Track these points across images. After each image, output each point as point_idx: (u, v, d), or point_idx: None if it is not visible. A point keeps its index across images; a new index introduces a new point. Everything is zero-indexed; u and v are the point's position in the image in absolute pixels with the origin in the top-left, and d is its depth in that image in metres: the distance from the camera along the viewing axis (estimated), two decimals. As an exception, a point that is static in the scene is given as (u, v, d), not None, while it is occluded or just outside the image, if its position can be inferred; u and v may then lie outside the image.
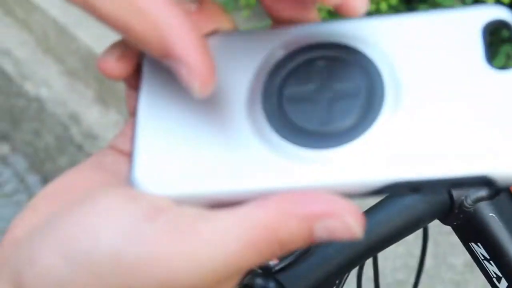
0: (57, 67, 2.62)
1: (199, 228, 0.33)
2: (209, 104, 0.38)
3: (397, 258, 1.62)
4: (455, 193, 0.58)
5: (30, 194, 2.76)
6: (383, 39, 0.37)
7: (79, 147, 2.44)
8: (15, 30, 2.83)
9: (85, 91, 2.51)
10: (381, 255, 1.52)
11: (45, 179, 2.78)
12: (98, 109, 2.42)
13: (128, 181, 0.37)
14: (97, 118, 2.36)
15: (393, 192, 0.34)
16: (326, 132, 0.35)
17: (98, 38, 2.36)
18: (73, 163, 2.46)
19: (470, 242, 0.61)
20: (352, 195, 0.34)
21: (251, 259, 0.33)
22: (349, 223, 0.33)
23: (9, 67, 2.75)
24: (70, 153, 2.51)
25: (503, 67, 0.33)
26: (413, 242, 1.57)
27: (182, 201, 0.35)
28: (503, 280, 0.61)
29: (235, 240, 0.33)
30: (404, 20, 0.38)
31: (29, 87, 2.64)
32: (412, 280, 1.53)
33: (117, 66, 0.40)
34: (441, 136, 0.33)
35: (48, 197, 0.39)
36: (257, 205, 0.34)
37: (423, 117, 0.34)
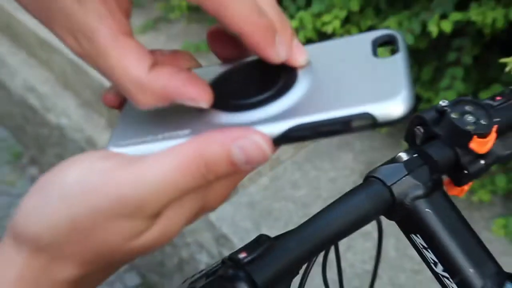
0: (74, 99, 2.63)
1: (143, 159, 0.37)
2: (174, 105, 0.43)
3: (365, 252, 1.62)
4: (396, 193, 0.58)
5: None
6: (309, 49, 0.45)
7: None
8: (38, 70, 2.84)
9: (98, 119, 2.50)
10: (351, 250, 1.53)
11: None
12: (107, 135, 2.44)
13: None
14: (107, 140, 2.37)
15: (297, 138, 0.39)
16: (251, 101, 0.42)
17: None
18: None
19: (411, 234, 0.61)
20: (274, 139, 0.39)
21: (185, 179, 0.36)
22: (258, 142, 0.37)
23: (34, 101, 2.76)
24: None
25: (384, 57, 0.42)
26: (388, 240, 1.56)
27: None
28: (439, 264, 0.61)
29: (171, 162, 0.36)
30: (325, 42, 0.47)
31: (51, 118, 2.65)
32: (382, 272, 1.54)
33: (114, 99, 0.47)
34: (337, 95, 0.40)
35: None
36: (189, 140, 0.38)
37: (319, 88, 0.42)
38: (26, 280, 0.38)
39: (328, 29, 1.66)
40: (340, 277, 0.74)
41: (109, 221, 0.36)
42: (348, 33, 1.71)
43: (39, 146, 2.92)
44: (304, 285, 0.67)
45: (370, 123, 0.38)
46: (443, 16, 1.52)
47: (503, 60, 1.00)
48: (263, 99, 0.41)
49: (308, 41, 1.82)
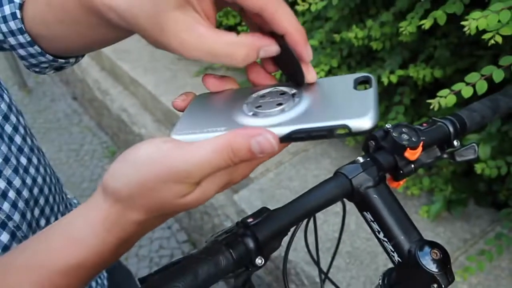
0: (150, 117, 2.63)
1: (192, 144, 0.38)
2: (220, 109, 0.46)
3: (335, 225, 1.60)
4: (354, 183, 0.58)
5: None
6: (305, 85, 0.47)
7: (161, 162, 2.46)
8: (129, 98, 2.86)
9: (165, 131, 2.51)
10: (326, 223, 1.50)
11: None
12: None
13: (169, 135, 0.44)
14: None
15: (297, 138, 0.40)
16: (269, 111, 0.44)
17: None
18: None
19: (363, 211, 0.60)
20: (280, 137, 0.40)
21: (218, 160, 0.37)
22: (269, 139, 0.38)
23: (125, 118, 2.78)
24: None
25: (360, 90, 0.44)
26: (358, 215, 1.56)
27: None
28: (381, 232, 0.60)
29: (209, 147, 0.37)
30: (319, 79, 0.48)
31: (135, 129, 2.66)
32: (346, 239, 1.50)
33: (182, 104, 0.48)
34: (326, 111, 0.42)
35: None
36: (223, 134, 0.39)
37: (314, 105, 0.43)
38: (109, 220, 0.39)
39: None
40: (316, 241, 0.73)
41: (165, 184, 0.37)
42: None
43: (127, 147, 2.92)
44: (291, 243, 0.67)
45: (347, 132, 0.39)
46: (392, 72, 1.51)
47: (429, 101, 0.98)
48: (276, 111, 0.43)
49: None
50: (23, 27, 0.59)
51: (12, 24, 0.59)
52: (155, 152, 0.38)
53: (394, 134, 0.61)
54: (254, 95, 0.47)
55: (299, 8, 1.49)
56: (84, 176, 2.91)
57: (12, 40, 0.60)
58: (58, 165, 3.01)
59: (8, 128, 0.61)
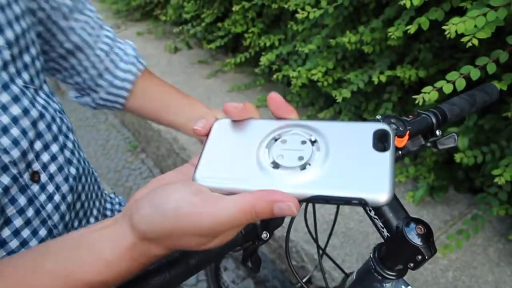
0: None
1: (219, 201, 0.36)
2: (240, 149, 0.42)
3: (331, 208, 1.60)
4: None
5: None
6: (325, 130, 0.40)
7: (177, 154, 2.43)
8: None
9: (180, 127, 2.51)
10: (322, 207, 1.50)
11: (162, 171, 2.77)
12: (187, 136, 2.43)
13: (191, 177, 0.40)
14: (186, 139, 2.35)
15: (315, 201, 0.36)
16: (290, 166, 0.38)
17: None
18: (175, 163, 2.45)
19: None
20: (300, 199, 0.36)
21: (241, 219, 0.36)
22: (291, 206, 0.35)
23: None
24: (173, 158, 2.51)
25: (380, 151, 0.37)
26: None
27: (214, 190, 0.38)
28: (372, 211, 0.60)
29: (235, 207, 0.35)
30: (338, 122, 0.41)
31: (154, 125, 2.66)
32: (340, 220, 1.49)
33: (202, 131, 0.43)
34: (342, 178, 0.36)
35: (153, 182, 0.41)
36: (248, 193, 0.36)
37: (334, 167, 0.37)
38: (136, 251, 0.38)
39: (314, 77, 1.65)
40: (314, 220, 0.73)
41: (188, 237, 0.37)
42: (327, 80, 1.69)
43: (147, 141, 2.92)
44: (292, 223, 0.67)
45: (363, 204, 0.35)
46: (381, 72, 1.50)
47: (415, 96, 0.98)
48: (294, 167, 0.38)
49: (302, 86, 1.81)
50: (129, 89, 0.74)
51: (121, 83, 0.74)
52: (183, 204, 0.36)
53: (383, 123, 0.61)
54: (274, 137, 0.41)
55: (299, 16, 1.48)
56: (110, 167, 2.92)
57: (107, 88, 0.74)
58: (87, 159, 3.02)
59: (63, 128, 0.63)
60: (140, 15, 3.55)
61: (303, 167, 0.38)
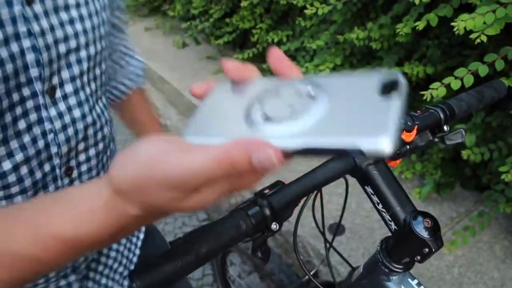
0: (175, 110, 2.64)
1: (193, 149, 0.33)
2: (234, 107, 0.38)
3: (338, 204, 1.61)
4: (357, 161, 0.59)
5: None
6: (326, 83, 0.36)
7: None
8: (156, 94, 2.86)
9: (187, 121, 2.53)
10: (330, 203, 1.50)
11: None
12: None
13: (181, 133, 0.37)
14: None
15: (303, 153, 0.32)
16: (280, 116, 0.34)
17: (195, 97, 2.39)
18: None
19: (365, 185, 0.61)
20: (286, 152, 0.32)
21: (215, 169, 0.32)
22: (271, 155, 0.31)
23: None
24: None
25: (387, 97, 0.31)
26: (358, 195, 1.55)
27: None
28: (380, 204, 0.61)
29: (209, 156, 0.32)
30: (343, 76, 0.36)
31: (161, 120, 2.67)
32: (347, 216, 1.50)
33: (199, 92, 0.41)
34: (335, 127, 0.31)
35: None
36: (225, 143, 0.33)
37: (329, 117, 0.32)
38: (108, 207, 0.36)
39: (322, 73, 1.66)
40: (322, 213, 0.74)
41: (160, 189, 0.34)
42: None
43: (154, 136, 2.95)
44: (301, 212, 0.67)
45: (360, 154, 0.30)
46: (389, 69, 1.51)
47: (423, 92, 0.99)
48: (285, 118, 0.34)
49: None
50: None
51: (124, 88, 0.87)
52: (155, 153, 0.34)
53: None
54: (270, 92, 0.38)
55: (308, 12, 1.49)
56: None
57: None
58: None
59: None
60: (148, 10, 3.56)
61: (294, 118, 0.34)
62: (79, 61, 0.57)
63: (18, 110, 0.50)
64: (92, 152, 0.64)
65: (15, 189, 0.53)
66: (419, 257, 0.59)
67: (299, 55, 1.96)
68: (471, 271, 1.32)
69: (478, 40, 0.92)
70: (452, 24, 0.94)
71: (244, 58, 2.25)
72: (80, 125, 0.59)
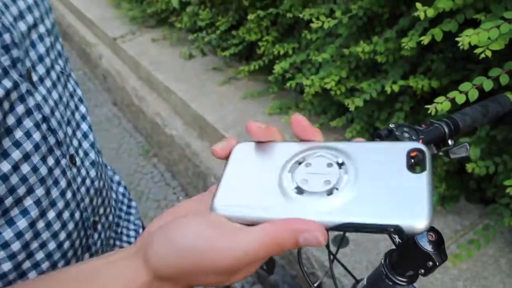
0: (181, 121, 2.65)
1: (238, 234, 0.33)
2: (262, 174, 0.38)
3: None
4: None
5: (166, 182, 2.77)
6: (353, 152, 0.37)
7: (189, 159, 2.45)
8: (162, 103, 2.88)
9: (193, 132, 2.52)
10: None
11: (173, 176, 2.79)
12: (200, 141, 2.44)
13: (210, 207, 0.37)
14: (198, 145, 2.37)
15: (345, 229, 0.32)
16: (316, 191, 0.35)
17: (201, 108, 2.38)
18: (186, 168, 2.47)
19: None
20: (327, 228, 0.33)
21: (263, 253, 0.32)
22: (317, 237, 0.32)
23: (158, 120, 2.80)
24: (185, 163, 2.53)
25: (416, 172, 0.33)
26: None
27: (233, 220, 0.35)
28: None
29: (255, 241, 0.32)
30: (367, 143, 0.38)
31: (167, 130, 2.68)
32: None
33: (221, 153, 0.41)
34: (374, 203, 0.32)
35: (169, 212, 0.39)
36: (270, 224, 0.33)
37: (364, 191, 0.33)
38: None
39: (327, 86, 1.66)
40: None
41: (208, 274, 0.34)
42: (340, 89, 1.71)
43: (159, 146, 2.94)
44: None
45: (399, 233, 0.31)
46: (394, 82, 1.51)
47: (427, 106, 0.99)
48: (321, 192, 0.34)
49: (315, 94, 1.82)
50: None
51: None
52: (199, 240, 0.33)
53: (397, 132, 0.62)
54: (298, 161, 0.38)
55: (314, 25, 1.50)
56: (122, 171, 2.94)
57: None
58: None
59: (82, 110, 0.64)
60: (155, 22, 3.59)
61: (329, 192, 0.34)
62: (41, 38, 0.53)
63: (6, 105, 0.45)
64: (79, 134, 0.61)
65: (21, 191, 0.48)
66: (423, 271, 0.59)
67: (304, 67, 1.97)
68: (476, 285, 1.31)
69: (482, 55, 0.93)
70: (457, 39, 0.95)
71: (250, 70, 2.27)
72: (61, 107, 0.55)
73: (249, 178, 0.38)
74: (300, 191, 0.35)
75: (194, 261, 0.33)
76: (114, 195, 0.76)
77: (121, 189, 0.84)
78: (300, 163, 0.37)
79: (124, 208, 0.82)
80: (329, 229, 0.33)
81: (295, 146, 0.39)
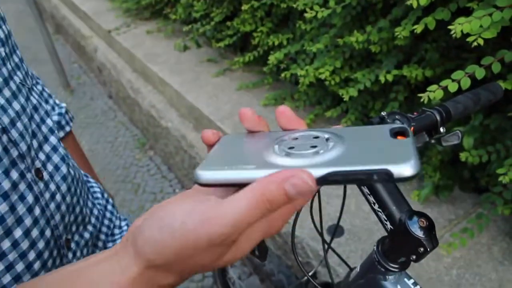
0: (176, 113, 2.65)
1: (227, 200, 0.32)
2: (248, 149, 0.39)
3: (337, 206, 1.61)
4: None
5: (163, 175, 2.77)
6: (340, 132, 0.39)
7: (185, 151, 2.45)
8: (157, 95, 2.87)
9: (188, 124, 2.51)
10: (329, 205, 1.51)
11: (170, 168, 2.79)
12: (195, 133, 2.43)
13: (194, 179, 0.37)
14: (194, 137, 2.37)
15: (332, 181, 0.32)
16: (303, 152, 0.35)
17: (196, 100, 2.37)
18: (182, 160, 2.47)
19: (361, 186, 0.62)
20: (317, 181, 0.33)
21: (254, 214, 0.31)
22: (305, 178, 0.31)
23: (154, 113, 2.80)
24: (181, 155, 2.53)
25: (398, 139, 0.36)
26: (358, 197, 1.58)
27: (218, 185, 0.35)
28: (376, 204, 0.61)
29: (242, 201, 0.31)
30: (353, 127, 0.41)
31: (163, 122, 2.68)
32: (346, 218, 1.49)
33: (211, 139, 0.41)
34: (364, 156, 0.34)
35: (155, 207, 0.37)
36: (256, 182, 0.32)
37: (351, 149, 0.35)
38: (138, 282, 0.34)
39: (322, 76, 1.66)
40: (320, 214, 0.74)
41: (203, 251, 0.32)
42: (334, 79, 1.70)
43: (155, 139, 2.94)
44: (299, 214, 0.68)
45: (387, 178, 0.31)
46: (388, 72, 1.51)
47: (420, 94, 0.99)
48: (310, 153, 0.35)
49: (309, 85, 1.82)
50: None
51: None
52: (191, 216, 0.32)
53: (388, 120, 0.62)
54: (286, 137, 0.39)
55: (307, 15, 1.50)
56: (118, 164, 2.95)
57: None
58: (96, 155, 3.05)
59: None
60: (149, 13, 3.57)
61: (316, 152, 0.35)
62: None
63: None
64: (47, 148, 0.59)
65: None
66: (414, 257, 0.60)
67: (299, 58, 1.97)
68: (469, 272, 1.32)
69: (475, 43, 0.93)
70: (449, 27, 0.95)
71: (245, 61, 2.26)
72: (24, 119, 0.54)
73: (237, 151, 0.39)
74: (287, 154, 0.36)
75: (188, 239, 0.32)
76: (96, 212, 0.73)
77: (109, 207, 0.81)
78: (288, 139, 0.39)
79: (111, 225, 0.79)
80: (317, 182, 0.33)
81: (284, 132, 0.41)
